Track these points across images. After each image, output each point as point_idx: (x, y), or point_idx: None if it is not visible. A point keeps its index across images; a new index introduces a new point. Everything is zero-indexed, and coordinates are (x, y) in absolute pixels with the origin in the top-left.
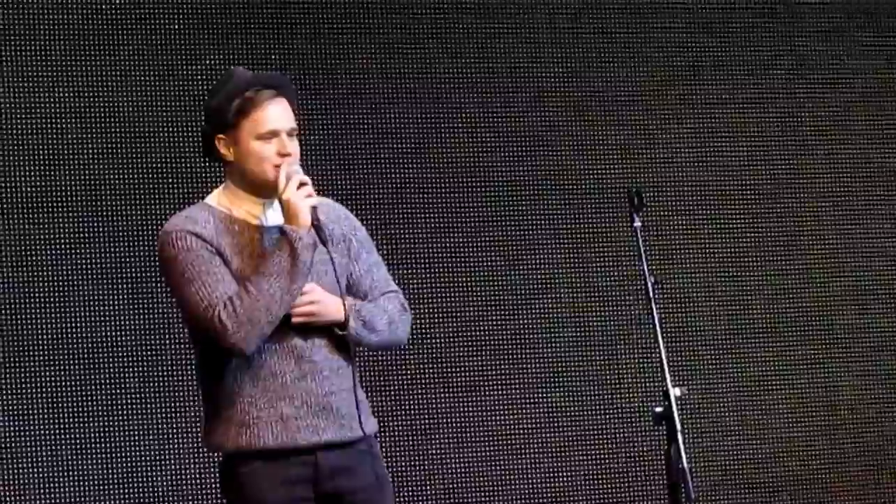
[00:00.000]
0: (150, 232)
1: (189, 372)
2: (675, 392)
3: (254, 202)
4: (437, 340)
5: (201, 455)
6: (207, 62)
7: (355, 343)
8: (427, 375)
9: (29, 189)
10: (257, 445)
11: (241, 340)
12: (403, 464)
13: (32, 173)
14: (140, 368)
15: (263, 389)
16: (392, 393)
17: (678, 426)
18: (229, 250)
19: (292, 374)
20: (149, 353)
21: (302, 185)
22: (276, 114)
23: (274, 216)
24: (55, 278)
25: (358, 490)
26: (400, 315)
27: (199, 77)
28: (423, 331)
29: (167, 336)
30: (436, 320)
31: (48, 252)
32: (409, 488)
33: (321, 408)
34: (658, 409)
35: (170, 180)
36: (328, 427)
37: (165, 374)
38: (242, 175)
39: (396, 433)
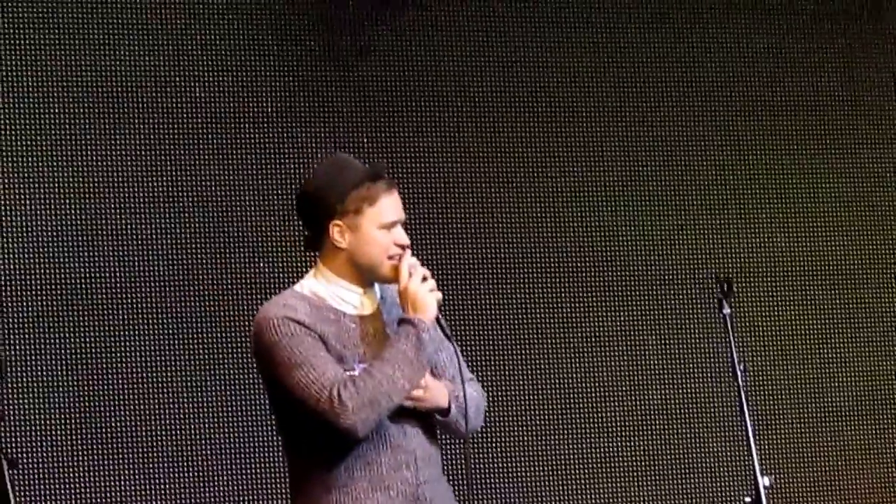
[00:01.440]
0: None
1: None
2: (764, 481)
3: (350, 290)
4: (522, 426)
5: None
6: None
7: (451, 429)
8: (513, 463)
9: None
10: None
11: (359, 422)
12: None
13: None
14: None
15: (360, 479)
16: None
17: None
18: (329, 338)
19: (388, 463)
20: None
21: (424, 277)
22: (396, 205)
23: (368, 305)
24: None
25: None
26: (482, 402)
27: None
28: (510, 426)
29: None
30: (520, 405)
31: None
32: None
33: (416, 498)
34: (748, 500)
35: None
36: None
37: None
38: (352, 262)
39: None
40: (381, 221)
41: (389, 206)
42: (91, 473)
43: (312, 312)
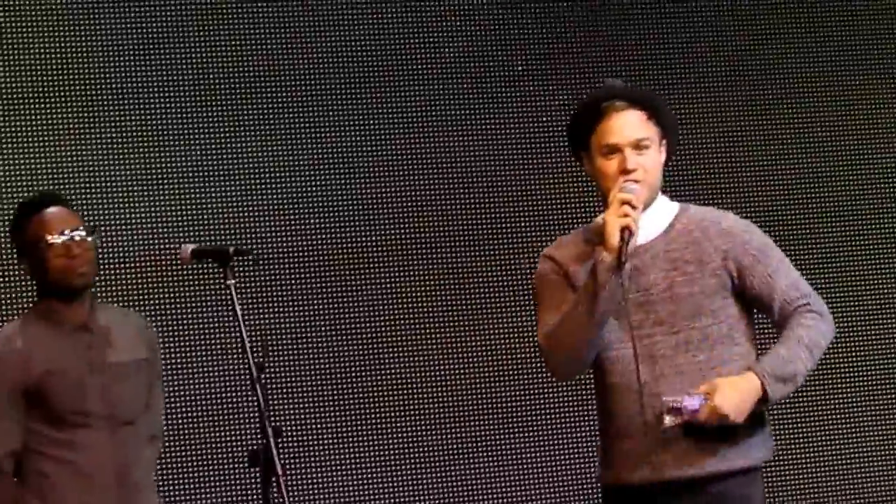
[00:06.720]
0: None
1: None
2: None
3: None
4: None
5: None
6: None
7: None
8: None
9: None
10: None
11: (554, 365)
12: None
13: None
14: None
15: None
16: None
17: None
18: (576, 277)
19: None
20: None
21: (624, 203)
22: (619, 126)
23: (641, 234)
24: None
25: None
26: (820, 334)
27: None
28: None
29: None
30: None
31: None
32: None
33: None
34: None
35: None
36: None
37: None
38: (602, 195)
39: None
40: (600, 147)
41: (608, 129)
42: (351, 440)
43: (579, 247)
